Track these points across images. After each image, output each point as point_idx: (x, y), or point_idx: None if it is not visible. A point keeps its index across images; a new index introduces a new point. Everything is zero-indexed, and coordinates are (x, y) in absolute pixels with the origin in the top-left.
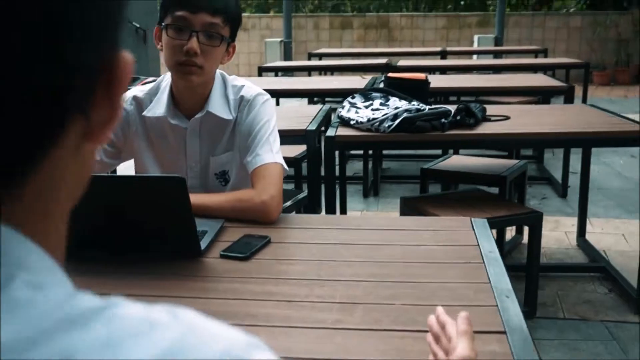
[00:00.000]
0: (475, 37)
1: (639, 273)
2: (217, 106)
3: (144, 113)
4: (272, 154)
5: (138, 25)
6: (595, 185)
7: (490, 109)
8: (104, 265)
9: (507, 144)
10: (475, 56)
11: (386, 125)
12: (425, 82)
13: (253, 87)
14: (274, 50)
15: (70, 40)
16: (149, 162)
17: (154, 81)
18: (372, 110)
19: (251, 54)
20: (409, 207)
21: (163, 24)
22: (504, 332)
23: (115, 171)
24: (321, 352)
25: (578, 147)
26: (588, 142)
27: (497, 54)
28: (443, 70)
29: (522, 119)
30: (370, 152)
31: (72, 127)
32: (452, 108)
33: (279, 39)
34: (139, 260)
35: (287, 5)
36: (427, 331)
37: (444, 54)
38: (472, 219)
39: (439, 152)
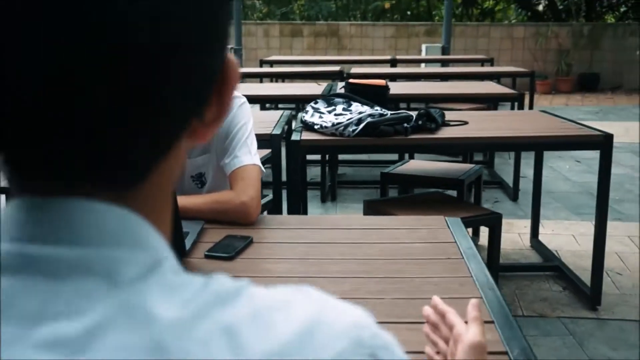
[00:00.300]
0: (423, 46)
1: (591, 271)
2: None
3: None
4: (250, 156)
5: None
6: (544, 189)
7: (448, 115)
8: None
9: (469, 148)
10: (423, 64)
11: (350, 130)
12: (386, 87)
13: None
14: None
15: (208, 47)
16: None
17: None
18: (336, 115)
19: None
20: (372, 210)
21: None
22: (492, 322)
23: None
24: None
25: (536, 150)
26: (545, 145)
27: (444, 63)
28: (393, 77)
29: (479, 124)
30: (327, 157)
31: (188, 128)
32: (413, 113)
33: (229, 46)
34: None
35: (237, 12)
36: (421, 322)
37: (393, 62)
38: (446, 218)
39: (393, 157)
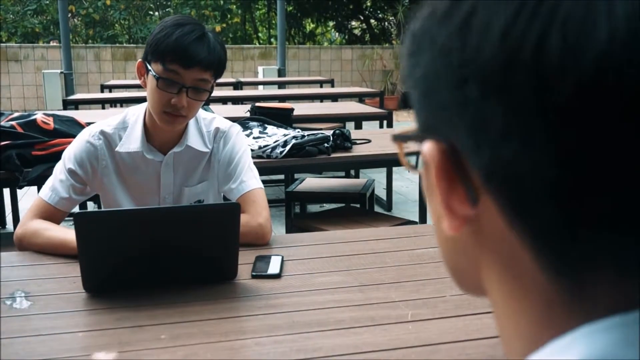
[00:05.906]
0: (260, 69)
1: None
2: (195, 140)
3: (117, 149)
4: (256, 180)
5: None
6: (409, 198)
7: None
8: (139, 297)
9: (387, 163)
10: (261, 86)
11: (278, 152)
12: (291, 110)
13: (223, 119)
14: (53, 82)
15: None
16: (120, 195)
17: (27, 116)
18: (254, 138)
19: (26, 86)
20: (296, 227)
21: (153, 70)
22: None
23: (85, 205)
24: (423, 339)
25: None
26: None
27: (281, 85)
28: (235, 100)
29: (379, 141)
30: None
31: None
32: (328, 133)
33: (58, 71)
34: (176, 289)
35: (64, 35)
36: (489, 312)
37: (237, 85)
38: (429, 224)
39: (278, 177)
